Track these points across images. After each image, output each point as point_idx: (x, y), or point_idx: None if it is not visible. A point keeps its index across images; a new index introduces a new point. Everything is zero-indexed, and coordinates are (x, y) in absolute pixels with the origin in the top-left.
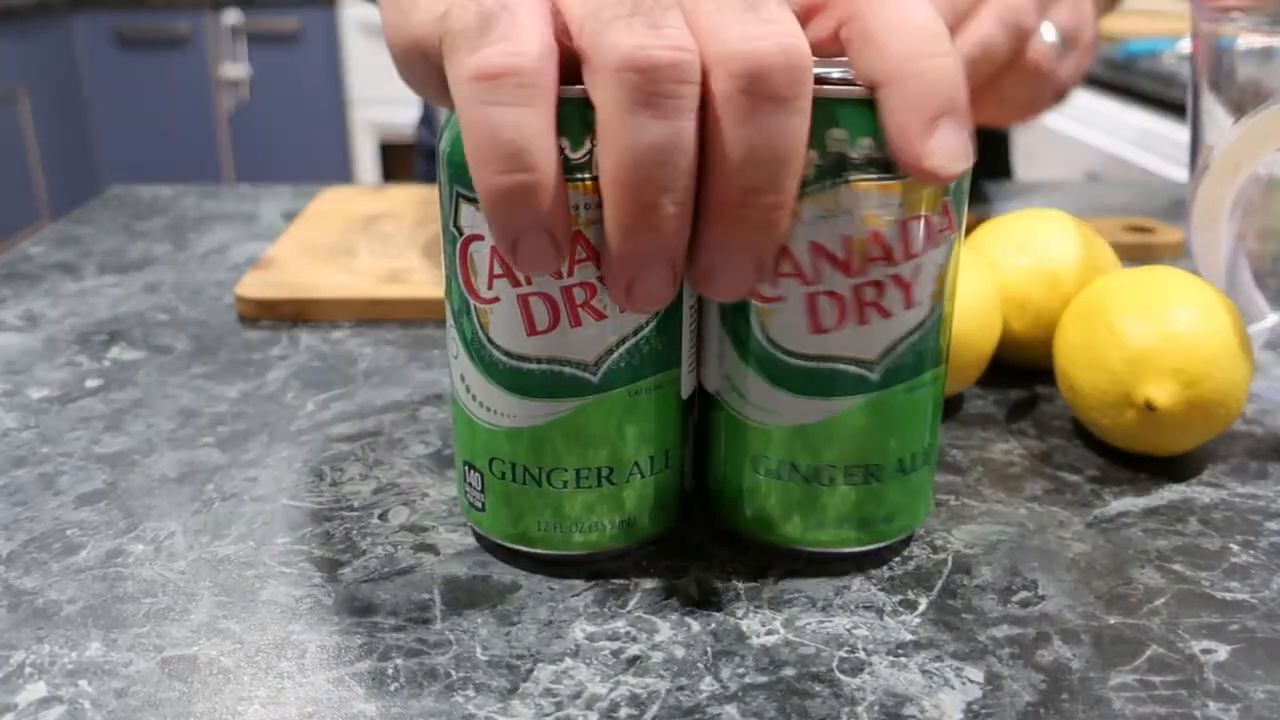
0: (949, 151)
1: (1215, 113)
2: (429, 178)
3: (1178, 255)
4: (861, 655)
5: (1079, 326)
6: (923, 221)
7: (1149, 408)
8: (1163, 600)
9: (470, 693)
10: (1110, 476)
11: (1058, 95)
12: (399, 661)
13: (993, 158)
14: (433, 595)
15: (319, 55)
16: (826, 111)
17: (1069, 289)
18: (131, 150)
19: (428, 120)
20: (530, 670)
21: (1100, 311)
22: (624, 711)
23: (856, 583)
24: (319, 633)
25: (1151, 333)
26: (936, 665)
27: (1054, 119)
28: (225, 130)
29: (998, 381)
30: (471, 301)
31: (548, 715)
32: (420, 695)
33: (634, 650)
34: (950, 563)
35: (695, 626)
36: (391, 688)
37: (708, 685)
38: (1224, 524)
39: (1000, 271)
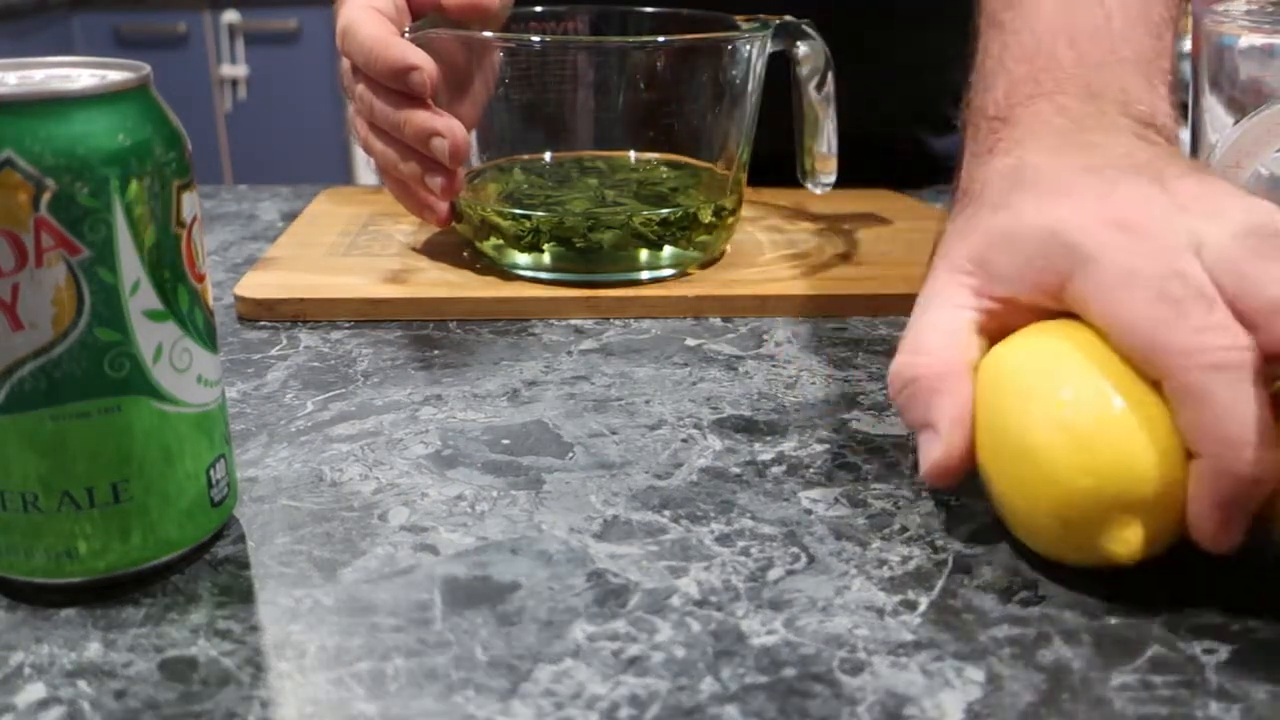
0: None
1: (1216, 112)
2: None
3: None
4: (862, 655)
5: (986, 433)
6: (7, 238)
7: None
8: (1164, 600)
9: (470, 693)
10: None
11: None
12: (399, 661)
13: None
14: (433, 595)
15: (318, 55)
16: None
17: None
18: None
19: None
20: (530, 670)
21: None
22: (624, 711)
23: (857, 583)
24: (319, 633)
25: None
26: (937, 665)
27: None
28: (224, 130)
29: None
30: None
31: (548, 715)
32: (420, 695)
33: (634, 650)
34: (950, 563)
35: (695, 626)
36: (391, 688)
37: (708, 685)
38: None
39: None
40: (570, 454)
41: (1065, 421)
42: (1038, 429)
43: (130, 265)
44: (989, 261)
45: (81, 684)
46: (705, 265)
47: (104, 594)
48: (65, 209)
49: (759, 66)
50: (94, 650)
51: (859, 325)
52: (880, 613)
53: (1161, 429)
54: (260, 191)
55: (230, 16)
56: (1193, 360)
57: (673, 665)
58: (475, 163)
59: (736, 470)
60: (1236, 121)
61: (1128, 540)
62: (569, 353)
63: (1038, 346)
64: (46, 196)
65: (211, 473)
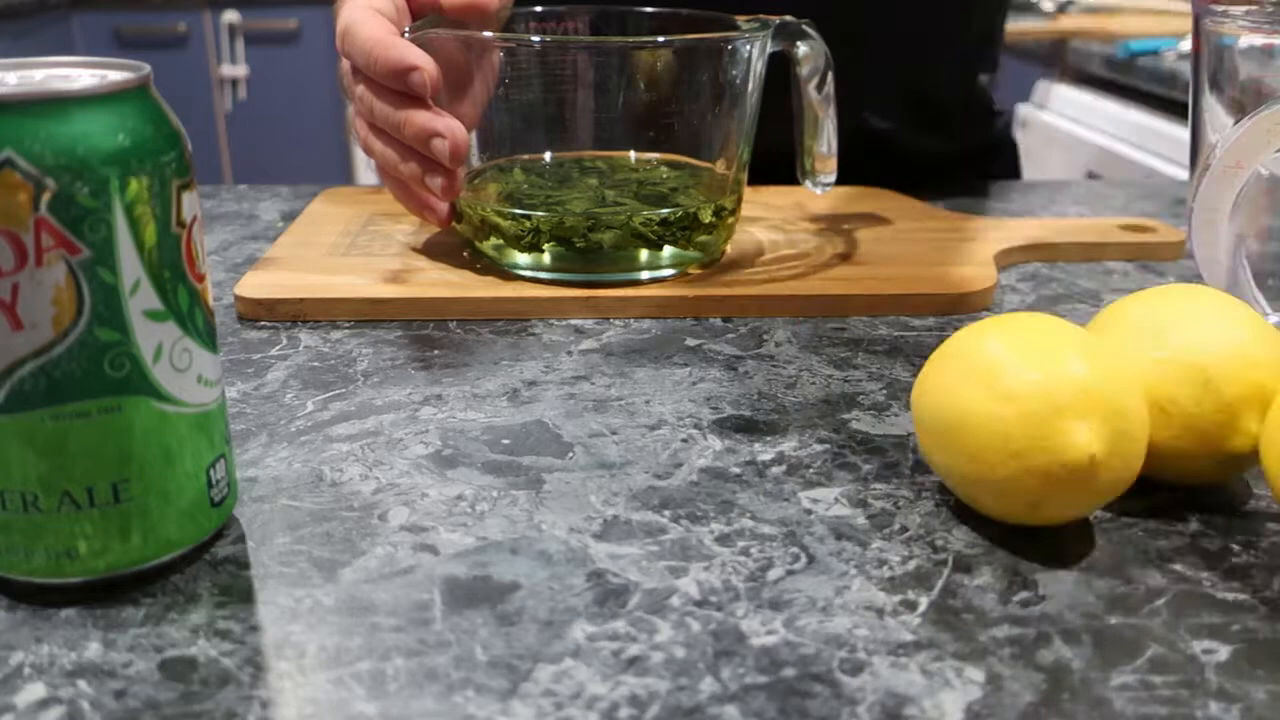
0: None
1: (1216, 112)
2: None
3: (1178, 255)
4: (862, 655)
5: None
6: (7, 238)
7: None
8: (1163, 600)
9: (470, 693)
10: None
11: None
12: (399, 661)
13: (999, 161)
14: (433, 595)
15: (318, 55)
16: None
17: (1227, 390)
18: None
19: None
20: (530, 670)
21: None
22: (624, 711)
23: (857, 583)
24: (319, 633)
25: None
26: (937, 665)
27: (1055, 118)
28: (224, 130)
29: None
30: None
31: (547, 715)
32: (420, 695)
33: (634, 650)
34: (950, 563)
35: (695, 626)
36: (391, 688)
37: (708, 685)
38: (1224, 524)
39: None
40: (570, 454)
41: (992, 372)
42: (966, 389)
43: (130, 265)
44: None
45: (81, 684)
46: (705, 265)
47: (104, 594)
48: (65, 209)
49: (759, 66)
50: (94, 650)
51: (859, 325)
52: (880, 613)
53: (1088, 351)
54: (260, 191)
55: (230, 16)
56: None
57: (673, 665)
58: (475, 163)
59: (736, 470)
60: (1236, 121)
61: (1079, 445)
62: (569, 353)
63: (957, 356)
64: (46, 196)
65: (211, 473)
